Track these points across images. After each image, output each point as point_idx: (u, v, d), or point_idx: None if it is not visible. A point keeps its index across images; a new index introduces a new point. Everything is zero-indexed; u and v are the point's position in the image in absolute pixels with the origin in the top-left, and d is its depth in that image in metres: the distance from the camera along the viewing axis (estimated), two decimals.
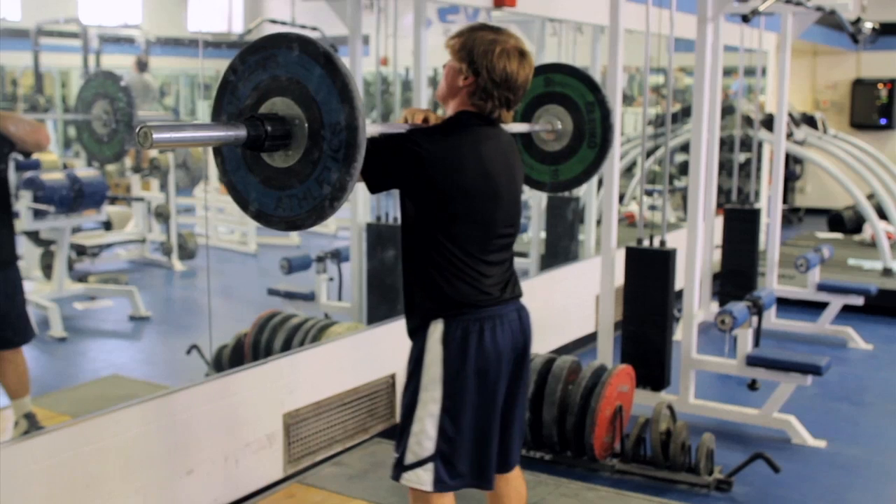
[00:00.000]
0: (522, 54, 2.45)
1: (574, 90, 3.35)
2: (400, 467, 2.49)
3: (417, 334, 2.52)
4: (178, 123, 1.88)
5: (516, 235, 2.62)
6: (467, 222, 2.43)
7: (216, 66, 12.72)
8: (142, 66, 9.08)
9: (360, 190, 5.19)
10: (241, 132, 2.00)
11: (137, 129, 1.84)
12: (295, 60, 2.04)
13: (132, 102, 4.80)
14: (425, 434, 2.44)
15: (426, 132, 2.42)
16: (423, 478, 2.45)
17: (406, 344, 2.58)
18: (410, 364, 2.52)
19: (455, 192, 2.39)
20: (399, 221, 2.54)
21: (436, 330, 2.45)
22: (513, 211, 2.56)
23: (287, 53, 2.05)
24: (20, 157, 6.45)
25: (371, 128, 2.31)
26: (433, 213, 2.42)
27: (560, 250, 6.55)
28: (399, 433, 2.52)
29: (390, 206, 5.10)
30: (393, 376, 4.37)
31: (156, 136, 1.83)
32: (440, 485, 2.45)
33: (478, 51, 2.41)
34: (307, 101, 2.02)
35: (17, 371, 3.68)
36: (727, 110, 8.10)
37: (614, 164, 4.75)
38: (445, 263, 2.44)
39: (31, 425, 3.64)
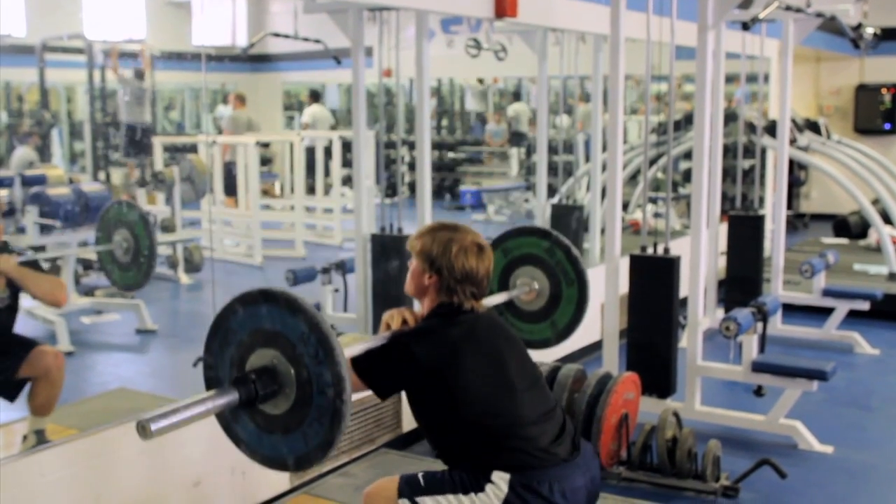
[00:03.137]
0: (480, 248, 2.59)
1: (530, 245, 3.60)
2: None
3: (463, 469, 2.49)
4: (172, 408, 2.01)
5: (539, 384, 2.64)
6: (489, 395, 2.48)
7: (220, 80, 12.82)
8: (139, 74, 9.16)
9: (364, 200, 5.21)
10: (233, 394, 2.14)
11: (136, 424, 1.98)
12: (243, 317, 2.20)
13: (151, 232, 5.06)
14: None
15: (411, 334, 2.54)
16: None
17: None
18: (447, 478, 2.49)
19: (462, 377, 2.46)
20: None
21: (500, 479, 2.41)
22: (524, 362, 2.64)
23: (235, 318, 2.22)
24: (26, 174, 6.50)
25: (355, 348, 2.48)
26: (451, 403, 2.47)
27: None
28: None
29: (394, 217, 5.12)
30: None
31: (154, 426, 1.98)
32: None
33: (436, 251, 2.55)
34: (271, 338, 2.16)
35: (50, 393, 3.68)
36: (730, 117, 8.11)
37: (617, 172, 4.76)
38: (486, 441, 2.45)
39: (38, 439, 3.65)
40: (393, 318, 2.63)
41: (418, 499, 2.47)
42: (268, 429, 2.23)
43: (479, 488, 2.42)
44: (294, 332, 2.12)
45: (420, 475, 2.52)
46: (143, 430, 1.97)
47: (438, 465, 2.59)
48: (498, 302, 3.47)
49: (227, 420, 2.31)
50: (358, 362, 2.48)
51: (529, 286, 3.57)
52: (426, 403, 2.53)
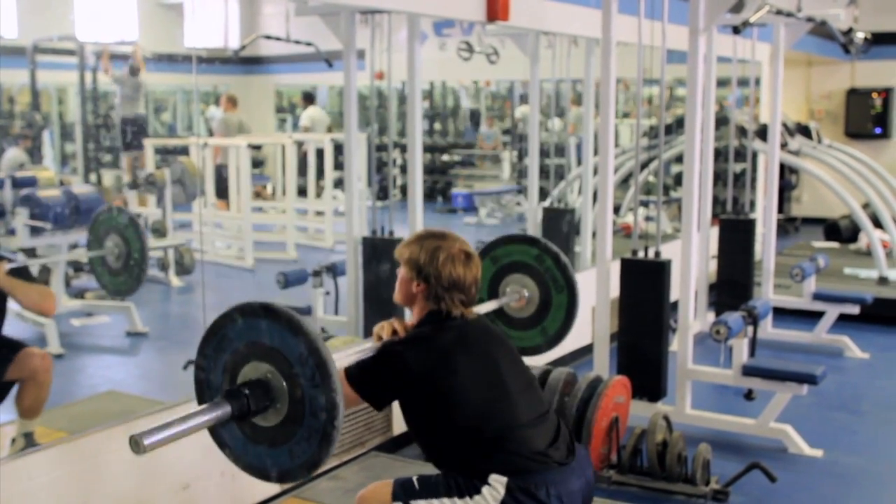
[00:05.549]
0: (468, 256, 2.61)
1: (519, 253, 3.62)
2: None
3: (458, 472, 2.47)
4: (165, 422, 2.02)
5: (533, 387, 2.65)
6: (483, 399, 2.48)
7: (212, 82, 12.80)
8: (134, 71, 9.17)
9: (355, 203, 5.21)
10: (225, 408, 2.13)
11: (129, 440, 1.97)
12: (242, 328, 2.18)
13: (143, 237, 5.08)
14: None
15: (403, 343, 2.55)
16: None
17: None
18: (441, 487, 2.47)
19: (455, 381, 2.46)
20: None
21: (497, 482, 2.40)
22: (517, 366, 2.65)
23: (233, 327, 2.19)
24: (16, 176, 6.48)
25: (347, 359, 2.48)
26: (445, 408, 2.46)
27: None
28: None
29: (386, 220, 5.11)
30: None
31: (147, 441, 1.97)
32: None
33: (424, 260, 2.57)
34: (268, 353, 2.14)
35: (38, 395, 3.66)
36: (722, 121, 8.13)
37: (609, 175, 4.76)
38: (480, 445, 2.45)
39: (27, 442, 3.64)
40: (384, 328, 2.64)
41: (413, 502, 2.46)
42: (255, 439, 2.22)
43: (475, 491, 2.41)
44: (293, 351, 2.10)
45: (415, 478, 2.51)
46: (137, 445, 1.96)
47: (430, 469, 2.58)
48: (488, 310, 3.50)
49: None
50: (351, 375, 2.48)
51: (519, 293, 3.59)
52: (420, 410, 2.52)
